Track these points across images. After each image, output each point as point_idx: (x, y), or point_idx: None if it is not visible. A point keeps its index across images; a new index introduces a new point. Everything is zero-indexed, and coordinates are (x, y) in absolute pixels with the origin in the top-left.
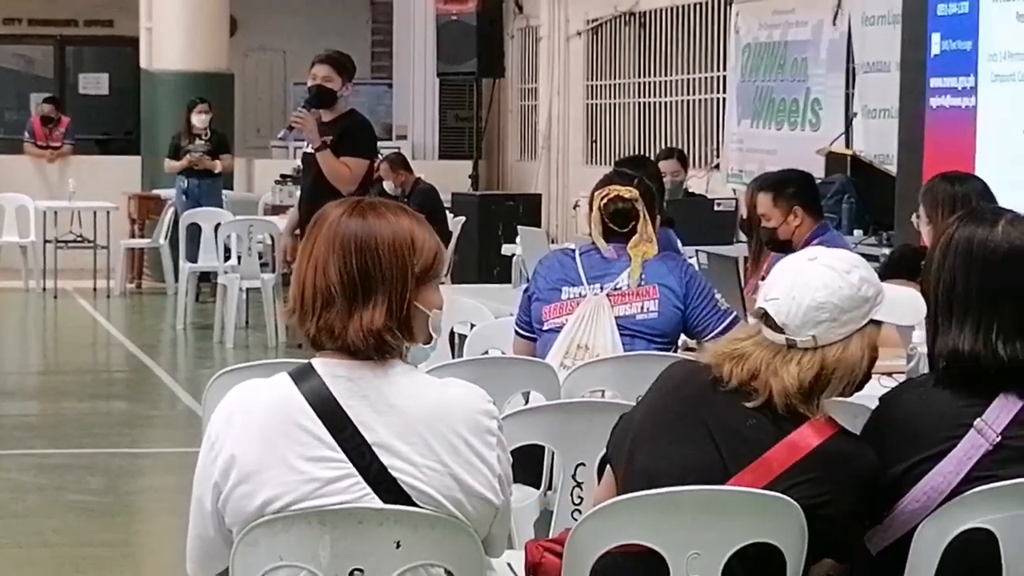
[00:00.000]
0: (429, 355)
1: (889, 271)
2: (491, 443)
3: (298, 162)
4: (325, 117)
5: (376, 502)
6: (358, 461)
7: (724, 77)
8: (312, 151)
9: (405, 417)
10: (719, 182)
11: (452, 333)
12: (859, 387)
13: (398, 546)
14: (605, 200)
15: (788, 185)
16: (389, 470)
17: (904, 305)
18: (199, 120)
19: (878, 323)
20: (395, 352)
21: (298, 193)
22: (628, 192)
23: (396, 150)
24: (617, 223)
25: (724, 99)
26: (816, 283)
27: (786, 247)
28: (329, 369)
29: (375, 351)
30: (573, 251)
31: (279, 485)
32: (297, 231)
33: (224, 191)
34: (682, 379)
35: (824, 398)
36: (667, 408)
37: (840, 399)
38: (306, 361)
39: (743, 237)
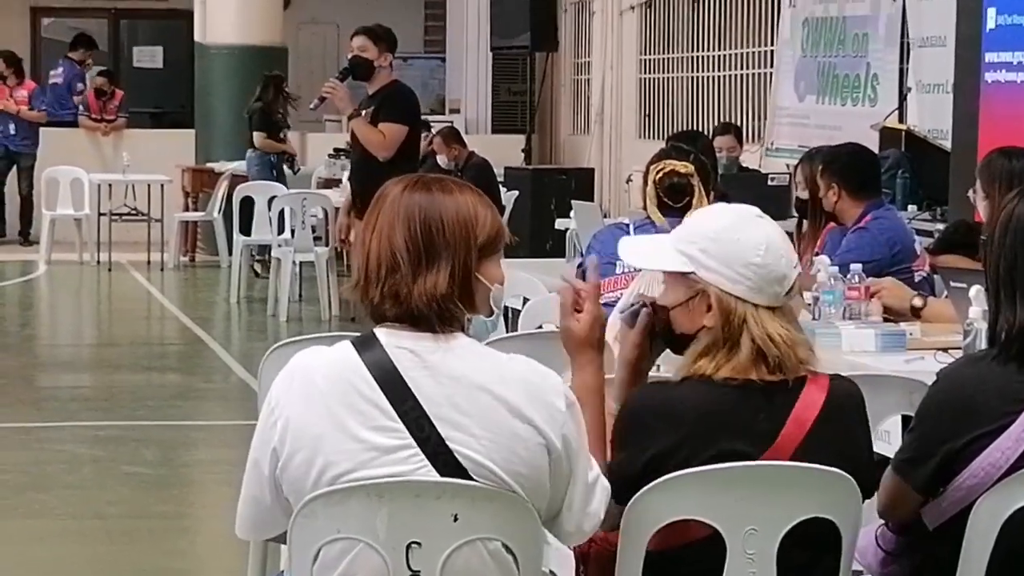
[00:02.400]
0: (490, 331)
1: (944, 246)
2: (555, 419)
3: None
4: (370, 89)
5: (433, 474)
6: (417, 433)
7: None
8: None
9: (467, 389)
10: (772, 157)
11: (506, 308)
12: None
13: (455, 520)
14: (661, 174)
15: (835, 161)
16: (448, 442)
17: None
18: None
19: None
20: (457, 323)
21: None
22: (684, 167)
23: (449, 124)
24: (672, 198)
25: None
26: (759, 230)
27: (832, 218)
28: (392, 339)
29: (438, 318)
30: (627, 225)
31: (337, 452)
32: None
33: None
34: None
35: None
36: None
37: (893, 373)
38: (369, 331)
39: (795, 213)
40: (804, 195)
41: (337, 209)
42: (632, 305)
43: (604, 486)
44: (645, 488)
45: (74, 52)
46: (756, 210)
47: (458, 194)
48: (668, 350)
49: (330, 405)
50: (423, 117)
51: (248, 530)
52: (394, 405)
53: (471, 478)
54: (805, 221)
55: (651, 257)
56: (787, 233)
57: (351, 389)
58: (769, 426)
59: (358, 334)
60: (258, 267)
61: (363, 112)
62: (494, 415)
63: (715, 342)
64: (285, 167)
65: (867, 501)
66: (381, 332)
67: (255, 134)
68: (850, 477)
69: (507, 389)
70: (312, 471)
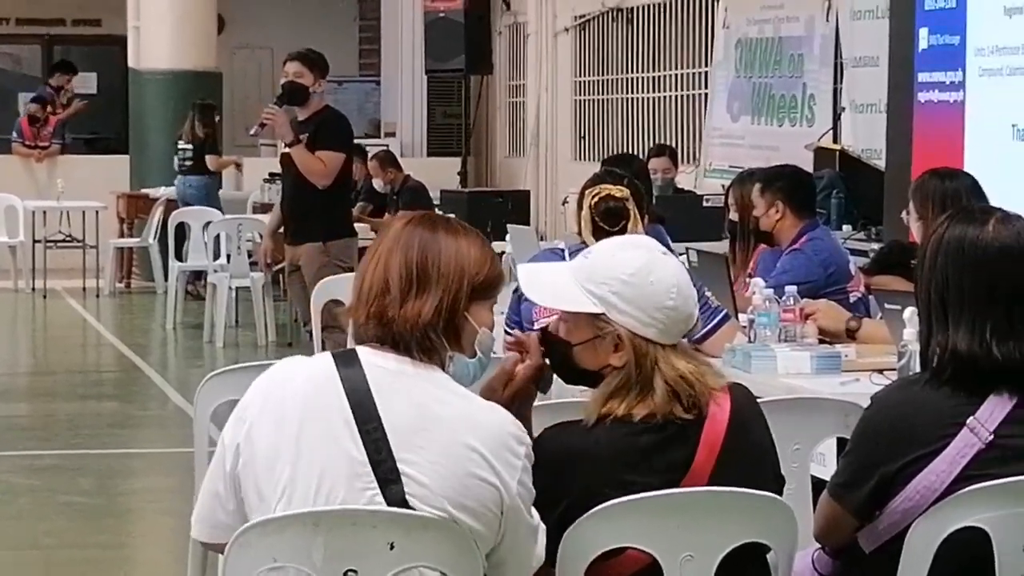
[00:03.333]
0: (471, 376)
1: (879, 267)
2: (512, 467)
3: None
4: (300, 115)
5: (379, 499)
6: (374, 455)
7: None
8: (287, 148)
9: (430, 416)
10: (709, 177)
11: None
12: None
13: (392, 547)
14: (596, 199)
15: (777, 179)
16: (400, 467)
17: None
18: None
19: None
20: (436, 356)
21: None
22: (619, 191)
23: (384, 147)
24: (608, 222)
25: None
26: (678, 274)
27: (768, 239)
28: (371, 359)
29: (418, 346)
30: (563, 250)
31: (296, 459)
32: (282, 230)
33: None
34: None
35: None
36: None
37: (829, 396)
38: (351, 348)
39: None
40: (735, 217)
41: None
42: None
43: (543, 527)
44: (581, 518)
45: (52, 78)
46: (659, 245)
47: (462, 237)
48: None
49: (297, 414)
50: (358, 142)
51: (201, 525)
52: (359, 423)
53: (413, 507)
54: (736, 242)
55: (558, 298)
56: (717, 255)
57: (321, 401)
58: (683, 455)
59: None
60: (192, 289)
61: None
62: (452, 451)
63: (626, 383)
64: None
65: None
66: (363, 350)
67: (209, 157)
68: (785, 502)
69: (472, 429)
70: (268, 475)
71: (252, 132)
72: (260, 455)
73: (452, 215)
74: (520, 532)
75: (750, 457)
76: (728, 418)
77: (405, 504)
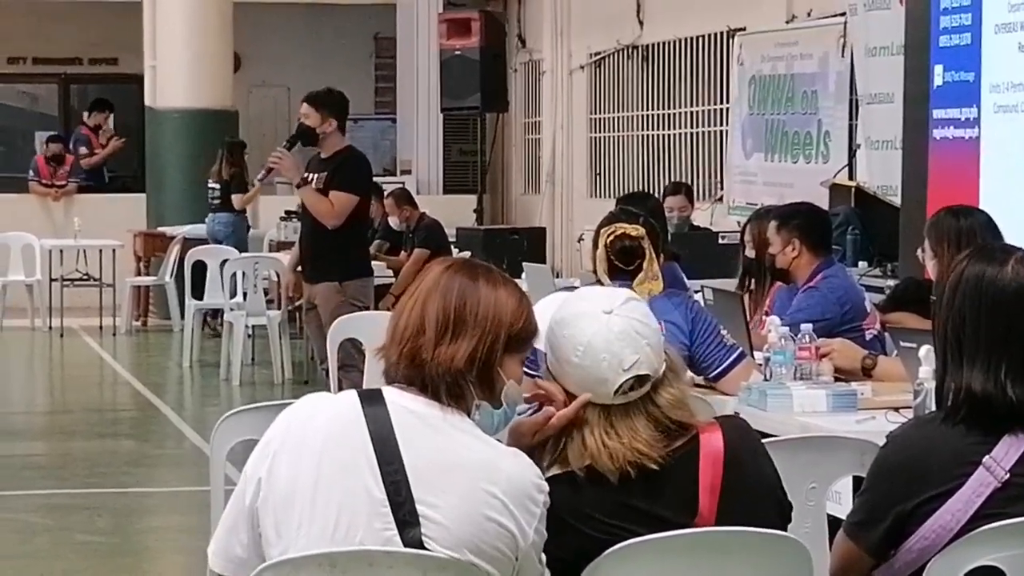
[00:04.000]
0: (495, 427)
1: (895, 304)
2: (532, 514)
3: None
4: (324, 154)
5: (396, 539)
6: (394, 496)
7: (727, 109)
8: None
9: (452, 460)
10: (723, 215)
11: None
12: None
13: None
14: (612, 238)
15: (794, 217)
16: (419, 509)
17: None
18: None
19: None
20: (464, 403)
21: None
22: (635, 230)
23: (400, 185)
24: (623, 261)
25: (727, 131)
26: (639, 324)
27: (784, 276)
28: (397, 399)
29: (447, 391)
30: (578, 288)
31: (315, 497)
32: (299, 268)
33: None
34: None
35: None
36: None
37: (844, 434)
38: (377, 388)
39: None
40: (751, 254)
41: None
42: (527, 409)
43: (548, 573)
44: (599, 557)
45: (89, 117)
46: (609, 304)
47: (501, 288)
48: None
49: (319, 451)
50: (374, 180)
51: (218, 560)
52: (380, 464)
53: (429, 550)
54: (752, 279)
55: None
56: (733, 294)
57: (344, 439)
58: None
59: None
60: (211, 324)
61: (311, 178)
62: (473, 496)
63: (558, 435)
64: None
65: (820, 563)
66: (389, 390)
67: (235, 196)
68: (800, 541)
69: (494, 476)
70: (289, 511)
71: (259, 177)
72: (280, 490)
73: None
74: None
75: (751, 492)
76: (723, 453)
77: (422, 546)
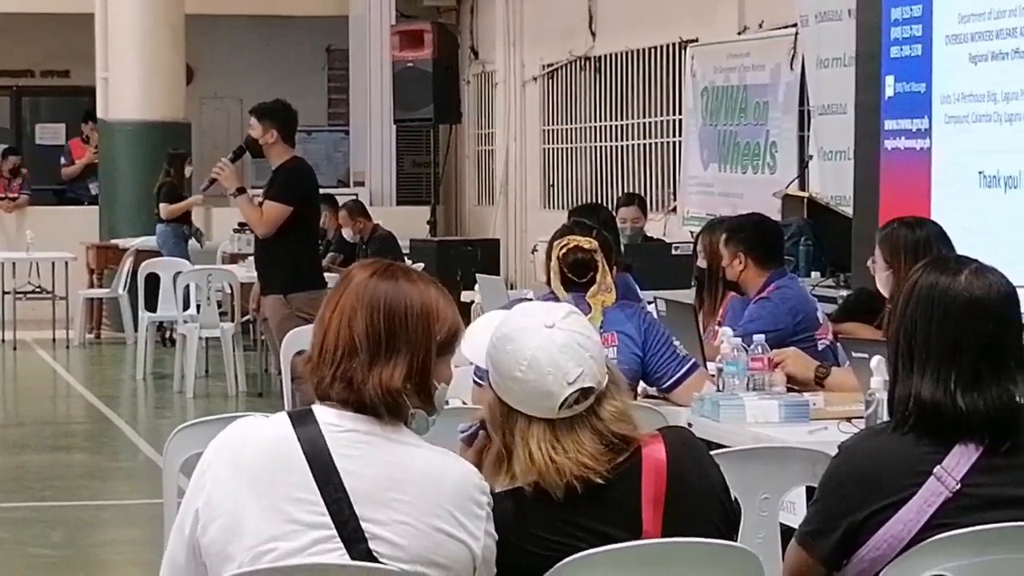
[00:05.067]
0: (428, 428)
1: (846, 314)
2: (479, 517)
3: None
4: (273, 165)
5: (345, 558)
6: (336, 516)
7: (679, 120)
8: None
9: (395, 475)
10: (676, 225)
11: None
12: None
13: None
14: (564, 251)
15: (741, 230)
16: (364, 524)
17: None
18: (188, 172)
19: None
20: (402, 416)
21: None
22: (588, 243)
23: (354, 197)
24: (576, 274)
25: (680, 142)
26: (582, 338)
27: (737, 287)
28: (328, 417)
29: (387, 410)
30: (531, 300)
31: (257, 522)
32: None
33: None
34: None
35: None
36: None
37: (797, 444)
38: (308, 407)
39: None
40: (703, 264)
41: (243, 284)
42: (470, 426)
43: None
44: (556, 566)
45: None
46: (551, 318)
47: (423, 287)
48: None
49: (256, 476)
50: (327, 192)
51: None
52: (319, 484)
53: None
54: (704, 290)
55: (471, 347)
56: (686, 304)
57: (280, 462)
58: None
59: (271, 411)
60: (166, 335)
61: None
62: (418, 505)
63: (499, 453)
64: (193, 240)
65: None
66: (321, 410)
67: (161, 205)
68: (752, 551)
69: (438, 486)
70: (231, 537)
71: (203, 187)
72: (220, 519)
73: (420, 264)
74: None
75: (695, 502)
76: (665, 467)
77: (373, 559)
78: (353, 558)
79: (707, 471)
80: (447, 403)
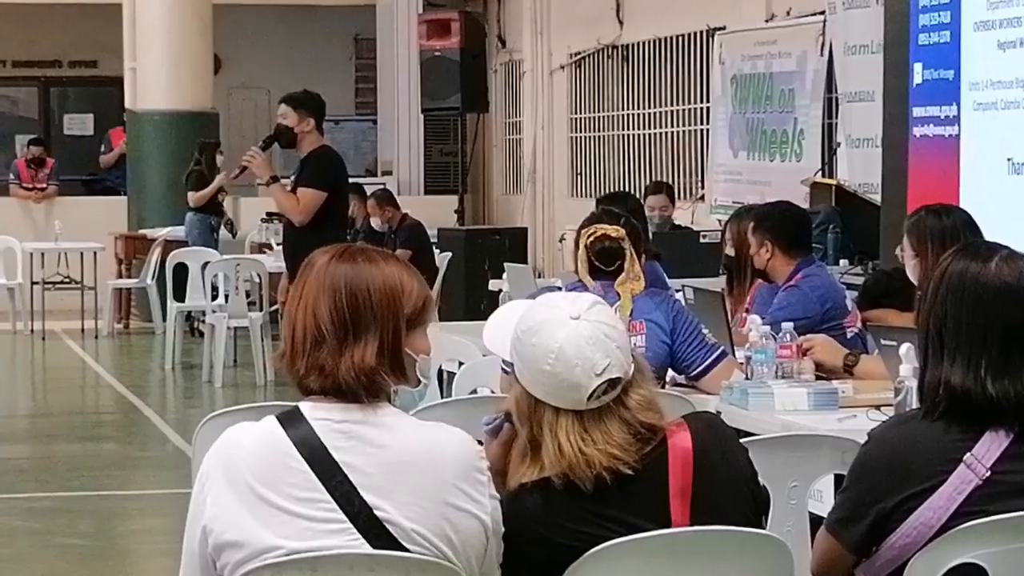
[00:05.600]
0: (417, 401)
1: (869, 300)
2: (481, 484)
3: None
4: (300, 155)
5: (366, 548)
6: (347, 507)
7: (707, 108)
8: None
9: (394, 459)
10: (704, 214)
11: (440, 371)
12: None
13: None
14: (592, 239)
15: (767, 219)
16: (376, 512)
17: None
18: (220, 162)
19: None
20: (384, 394)
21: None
22: (615, 231)
23: (382, 186)
24: (604, 262)
25: (707, 130)
26: (607, 328)
27: (764, 276)
28: (317, 413)
29: (365, 391)
30: (560, 288)
31: (269, 529)
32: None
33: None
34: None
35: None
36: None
37: (826, 432)
38: (293, 405)
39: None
40: (731, 252)
41: (271, 274)
42: (495, 418)
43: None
44: (582, 558)
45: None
46: (576, 310)
47: (384, 265)
48: None
49: (258, 484)
50: (356, 181)
51: None
52: (323, 481)
53: (403, 547)
54: (733, 278)
55: (493, 340)
56: (714, 292)
57: (278, 467)
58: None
59: (285, 405)
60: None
61: (283, 178)
62: (423, 484)
63: (526, 445)
64: (223, 229)
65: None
66: (306, 406)
67: (189, 193)
68: (781, 539)
69: (438, 462)
70: (245, 547)
71: (233, 175)
72: (228, 531)
73: (448, 254)
74: (495, 549)
75: (723, 490)
76: (691, 457)
77: (397, 546)
78: (373, 545)
79: (734, 457)
80: (475, 391)
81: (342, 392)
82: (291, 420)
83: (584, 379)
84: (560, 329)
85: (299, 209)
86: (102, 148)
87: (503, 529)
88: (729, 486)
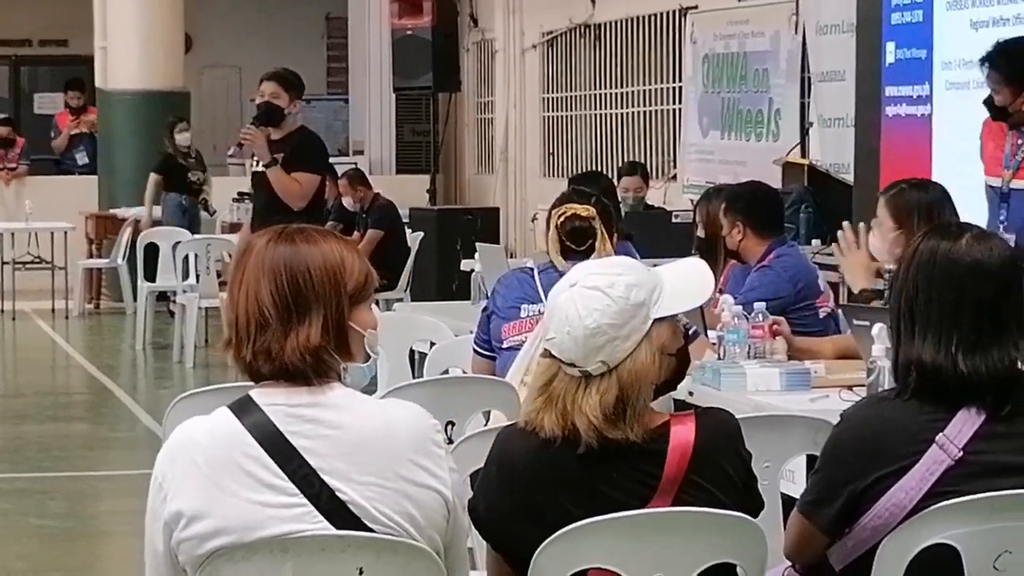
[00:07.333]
0: (368, 377)
1: None
2: (439, 457)
3: None
4: (275, 135)
5: (331, 530)
6: (308, 490)
7: (680, 88)
8: (262, 168)
9: (350, 439)
10: (676, 193)
11: (412, 351)
12: (673, 385)
13: (361, 573)
14: (562, 219)
15: (738, 200)
16: (338, 494)
17: (687, 288)
18: (183, 139)
19: (665, 318)
20: (333, 373)
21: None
22: (585, 210)
23: (354, 165)
24: (575, 242)
25: (680, 110)
26: (582, 310)
27: (736, 256)
28: (269, 399)
29: (313, 371)
30: (531, 269)
31: (232, 519)
32: None
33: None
34: (524, 468)
35: (637, 410)
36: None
37: (798, 413)
38: (244, 394)
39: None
40: (702, 233)
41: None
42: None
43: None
44: (551, 538)
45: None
46: (609, 272)
47: (323, 243)
48: None
49: (217, 476)
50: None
51: None
52: (281, 466)
53: (367, 528)
54: (704, 258)
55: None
56: None
57: (236, 456)
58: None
59: (254, 386)
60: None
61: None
62: (381, 462)
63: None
64: (200, 209)
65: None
66: (256, 393)
67: (151, 175)
68: (754, 520)
69: (393, 439)
70: (208, 542)
71: (230, 153)
72: (192, 526)
73: (420, 233)
74: (462, 522)
75: (712, 491)
76: (690, 452)
77: (360, 527)
78: (337, 527)
79: (732, 462)
80: (447, 371)
81: (291, 375)
82: (244, 409)
83: (579, 351)
84: (568, 297)
85: (301, 193)
86: (52, 134)
87: (465, 504)
88: (721, 488)
